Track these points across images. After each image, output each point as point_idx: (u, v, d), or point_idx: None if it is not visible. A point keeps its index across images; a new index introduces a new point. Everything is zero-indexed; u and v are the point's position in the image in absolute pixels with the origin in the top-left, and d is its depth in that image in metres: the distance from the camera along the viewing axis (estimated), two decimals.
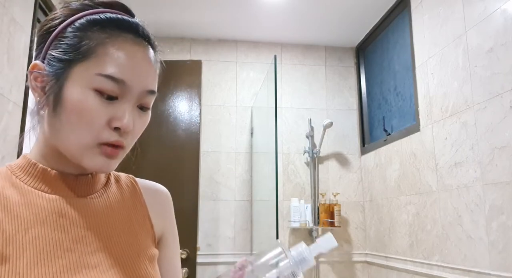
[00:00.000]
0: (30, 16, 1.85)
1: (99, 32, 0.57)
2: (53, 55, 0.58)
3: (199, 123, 2.68)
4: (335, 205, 2.86)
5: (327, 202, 2.89)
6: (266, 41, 3.22)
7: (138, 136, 0.63)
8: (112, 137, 0.57)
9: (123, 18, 0.59)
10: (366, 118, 3.15)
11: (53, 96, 0.57)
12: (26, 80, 1.81)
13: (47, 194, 0.58)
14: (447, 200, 1.98)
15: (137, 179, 0.74)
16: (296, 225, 2.87)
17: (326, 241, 0.58)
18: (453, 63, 1.97)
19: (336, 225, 2.83)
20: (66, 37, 0.57)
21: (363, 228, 3.02)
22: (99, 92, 0.55)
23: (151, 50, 0.62)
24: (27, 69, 1.88)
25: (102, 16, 0.58)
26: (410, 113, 2.47)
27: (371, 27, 2.98)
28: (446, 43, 2.03)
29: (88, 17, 0.58)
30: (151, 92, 0.61)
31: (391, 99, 2.77)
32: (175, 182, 2.35)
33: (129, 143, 0.61)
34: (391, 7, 2.68)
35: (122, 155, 0.60)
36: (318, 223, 2.89)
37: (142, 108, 0.61)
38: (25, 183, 0.58)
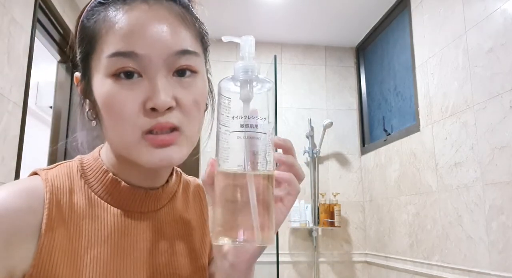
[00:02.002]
0: (30, 16, 1.85)
1: (103, 11, 0.50)
2: (79, 58, 0.53)
3: None
4: (335, 205, 2.86)
5: (327, 202, 2.89)
6: (266, 41, 3.22)
7: (198, 110, 0.52)
8: (152, 122, 0.47)
9: None
10: (366, 118, 3.15)
11: (89, 99, 0.53)
12: (27, 81, 1.81)
13: (113, 207, 0.54)
14: (447, 200, 1.98)
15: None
16: (296, 225, 2.87)
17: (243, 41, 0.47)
18: (453, 63, 1.97)
19: (336, 225, 2.83)
20: (81, 31, 0.52)
21: (363, 228, 3.02)
22: (116, 75, 0.48)
23: (172, 5, 0.51)
24: (27, 70, 1.88)
25: None
26: (410, 113, 2.47)
27: (371, 27, 2.98)
28: (446, 43, 2.03)
29: (92, 3, 0.52)
30: (184, 52, 0.49)
31: (391, 99, 2.77)
32: None
33: (185, 121, 0.50)
34: (391, 7, 2.68)
35: (183, 139, 0.50)
36: (318, 223, 2.89)
37: (183, 74, 0.50)
38: (93, 190, 0.54)
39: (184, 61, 0.50)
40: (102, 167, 0.55)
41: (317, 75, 3.24)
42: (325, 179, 3.05)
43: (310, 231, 2.92)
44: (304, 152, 3.04)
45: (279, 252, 2.75)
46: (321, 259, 2.93)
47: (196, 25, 0.54)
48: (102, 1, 0.50)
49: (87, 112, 0.54)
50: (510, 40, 1.59)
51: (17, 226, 0.46)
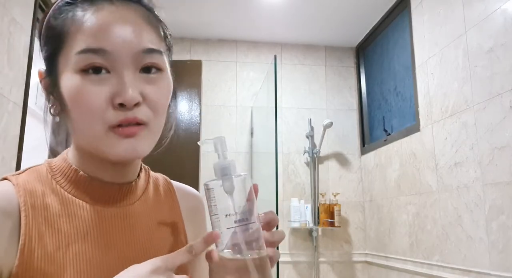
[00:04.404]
0: (30, 16, 1.85)
1: (70, 11, 0.52)
2: (43, 56, 0.55)
3: (199, 123, 2.68)
4: (335, 205, 2.86)
5: (327, 202, 2.89)
6: (266, 41, 3.22)
7: (164, 106, 0.54)
8: (119, 116, 0.50)
9: None
10: (366, 118, 3.15)
11: (56, 95, 0.54)
12: (27, 81, 1.81)
13: (88, 204, 0.54)
14: (447, 200, 1.98)
15: (172, 183, 0.69)
16: (296, 225, 2.87)
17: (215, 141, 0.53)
18: (453, 63, 1.97)
19: (336, 225, 2.83)
20: (48, 30, 0.54)
21: (363, 228, 3.02)
22: (85, 71, 0.49)
23: (138, 7, 0.54)
24: (27, 70, 1.88)
25: None
26: (410, 113, 2.47)
27: (371, 27, 2.98)
28: (446, 43, 2.03)
29: (60, 3, 0.54)
30: (150, 50, 0.52)
31: (391, 99, 2.77)
32: None
33: (151, 116, 0.52)
34: (391, 7, 2.68)
35: (148, 133, 0.53)
36: (318, 223, 2.89)
37: (149, 70, 0.53)
38: (66, 190, 0.54)
39: (150, 59, 0.52)
40: (71, 166, 0.56)
41: (317, 75, 3.24)
42: (325, 179, 3.05)
43: (310, 231, 2.92)
44: (304, 152, 3.04)
45: (279, 252, 2.74)
46: (321, 259, 2.93)
47: (160, 27, 0.57)
48: (70, 1, 0.53)
49: (50, 108, 0.56)
50: (510, 40, 1.59)
51: None
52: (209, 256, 0.48)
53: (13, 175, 0.54)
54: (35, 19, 1.88)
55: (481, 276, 1.70)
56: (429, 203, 2.14)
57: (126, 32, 0.51)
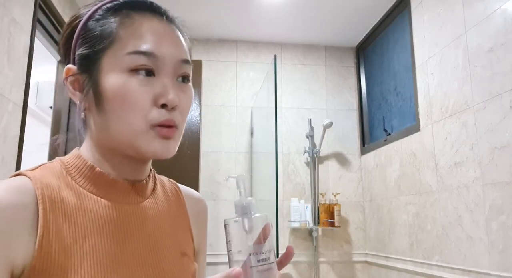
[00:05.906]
0: (30, 16, 1.85)
1: (117, 16, 0.57)
2: (80, 54, 0.57)
3: (199, 123, 2.68)
4: (335, 205, 2.86)
5: (327, 202, 2.89)
6: (266, 41, 3.22)
7: (187, 115, 0.60)
8: (162, 116, 0.55)
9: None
10: (366, 118, 3.15)
11: (92, 92, 0.56)
12: (27, 81, 1.81)
13: (102, 200, 0.56)
14: (447, 200, 1.98)
15: (179, 185, 0.72)
16: (296, 225, 2.87)
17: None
18: (453, 63, 1.97)
19: (336, 225, 2.83)
20: (88, 31, 0.57)
21: (363, 228, 3.02)
22: (134, 71, 0.54)
23: (172, 24, 0.60)
24: (27, 70, 1.88)
25: (116, 2, 0.58)
26: (410, 113, 2.47)
27: (371, 27, 2.98)
28: (446, 43, 2.03)
29: (104, 6, 0.58)
30: (186, 61, 0.59)
31: (391, 99, 2.77)
32: None
33: (180, 120, 0.58)
34: (391, 7, 2.68)
35: (178, 136, 0.58)
36: (318, 223, 2.89)
37: (183, 79, 0.59)
38: (80, 186, 0.56)
39: (185, 69, 0.59)
40: (86, 163, 0.58)
41: (317, 75, 3.24)
42: (325, 179, 3.05)
43: (310, 231, 2.92)
44: (304, 152, 3.04)
45: (279, 252, 2.75)
46: (321, 259, 2.93)
47: (188, 41, 0.64)
48: (115, 8, 0.58)
49: (79, 105, 0.59)
50: (510, 40, 1.59)
51: (13, 220, 0.48)
52: None
53: (27, 171, 0.55)
54: (35, 19, 1.88)
55: (481, 276, 1.70)
56: (429, 203, 2.14)
57: (170, 42, 0.57)
